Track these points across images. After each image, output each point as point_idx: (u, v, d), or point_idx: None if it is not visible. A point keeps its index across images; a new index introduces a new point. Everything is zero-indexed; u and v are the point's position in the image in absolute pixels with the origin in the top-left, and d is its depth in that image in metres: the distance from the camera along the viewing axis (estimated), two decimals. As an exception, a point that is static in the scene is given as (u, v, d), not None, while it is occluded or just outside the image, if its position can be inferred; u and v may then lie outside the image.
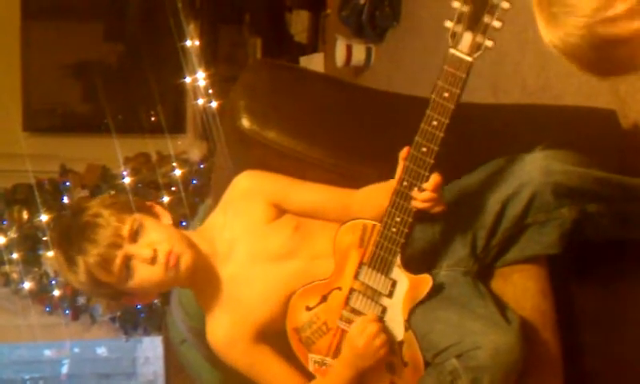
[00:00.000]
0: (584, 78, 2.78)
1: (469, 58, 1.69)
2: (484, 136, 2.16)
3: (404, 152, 1.79)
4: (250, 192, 2.05)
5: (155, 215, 2.01)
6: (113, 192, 4.32)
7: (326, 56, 5.52)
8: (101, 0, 5.91)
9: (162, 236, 1.93)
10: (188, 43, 4.74)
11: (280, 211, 2.05)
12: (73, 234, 1.91)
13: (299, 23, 5.80)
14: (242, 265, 2.03)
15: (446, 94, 1.71)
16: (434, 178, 1.77)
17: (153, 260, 1.88)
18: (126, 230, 1.89)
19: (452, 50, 1.71)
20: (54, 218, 4.23)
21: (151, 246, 1.89)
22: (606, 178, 1.95)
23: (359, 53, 4.95)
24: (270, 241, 2.02)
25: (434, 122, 1.73)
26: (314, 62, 5.53)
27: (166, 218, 2.02)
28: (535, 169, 1.90)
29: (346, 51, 4.94)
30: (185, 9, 4.89)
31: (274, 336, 2.02)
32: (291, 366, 2.02)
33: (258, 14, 5.90)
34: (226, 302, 2.02)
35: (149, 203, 2.06)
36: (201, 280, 2.01)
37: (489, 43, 1.67)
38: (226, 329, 2.02)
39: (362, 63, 4.98)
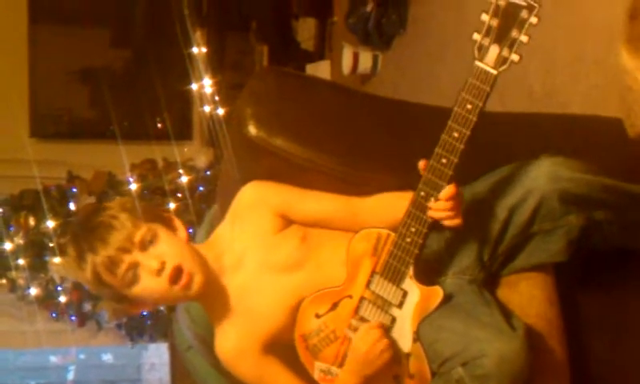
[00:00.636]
0: (591, 84, 2.78)
1: (494, 71, 1.69)
2: (491, 144, 2.15)
3: (422, 163, 1.79)
4: (256, 203, 2.05)
5: (172, 228, 2.02)
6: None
7: (333, 63, 5.53)
8: (108, 6, 5.92)
9: (173, 250, 1.93)
10: (195, 50, 4.76)
11: (287, 222, 2.04)
12: (87, 231, 1.92)
13: (306, 30, 5.80)
14: (250, 276, 2.03)
15: (469, 106, 1.71)
16: (449, 189, 1.77)
17: (159, 272, 1.89)
18: (138, 237, 1.90)
19: (478, 63, 1.70)
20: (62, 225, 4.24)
21: (160, 258, 1.90)
22: (613, 186, 1.94)
23: (366, 60, 4.96)
24: (278, 252, 2.02)
25: (455, 134, 1.73)
26: (321, 70, 5.54)
27: (182, 233, 2.02)
28: (542, 176, 1.90)
29: (352, 59, 4.95)
30: (192, 16, 4.91)
31: (282, 347, 2.02)
32: (299, 377, 2.02)
33: (265, 21, 5.91)
34: (235, 315, 2.02)
35: (168, 215, 2.06)
36: (210, 294, 2.00)
37: (515, 57, 1.67)
38: (235, 341, 2.02)
39: (368, 71, 4.99)
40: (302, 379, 2.02)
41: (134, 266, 1.89)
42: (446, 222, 1.82)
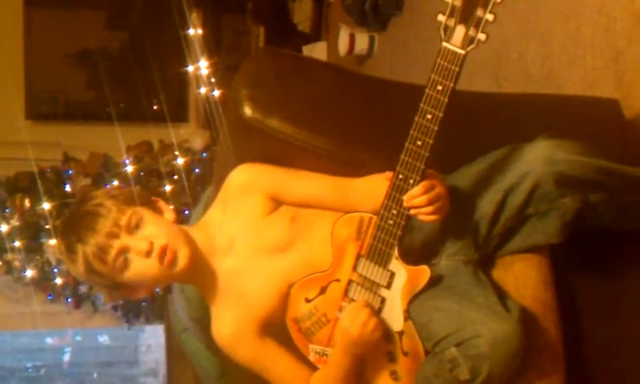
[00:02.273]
0: (588, 67, 2.78)
1: (461, 52, 1.69)
2: (486, 125, 2.15)
3: (388, 174, 1.82)
4: (246, 186, 2.04)
5: (158, 210, 2.03)
6: (116, 181, 4.33)
7: (329, 45, 5.52)
8: (104, -12, 5.91)
9: (160, 231, 1.94)
10: (191, 32, 4.74)
11: (277, 203, 2.04)
12: (74, 222, 1.94)
13: (302, 12, 5.79)
14: (241, 259, 2.03)
15: (440, 87, 1.71)
16: (420, 186, 1.78)
17: (148, 253, 1.90)
18: (124, 221, 1.91)
19: (444, 44, 1.71)
20: (58, 207, 4.24)
21: (148, 239, 1.91)
22: (609, 168, 1.94)
23: (362, 41, 4.95)
24: (268, 234, 2.02)
25: (429, 116, 1.73)
26: (317, 51, 5.53)
27: (169, 214, 2.03)
28: (537, 158, 1.89)
29: (349, 40, 4.94)
30: (188, -3, 4.89)
31: (279, 328, 2.03)
32: (296, 358, 2.03)
33: (261, 2, 5.89)
34: (229, 297, 2.03)
35: (153, 198, 2.06)
36: (201, 275, 2.02)
37: (482, 36, 1.67)
38: (231, 325, 2.02)
39: (364, 52, 4.98)
40: (300, 359, 2.03)
41: (124, 250, 1.90)
42: (421, 217, 1.82)
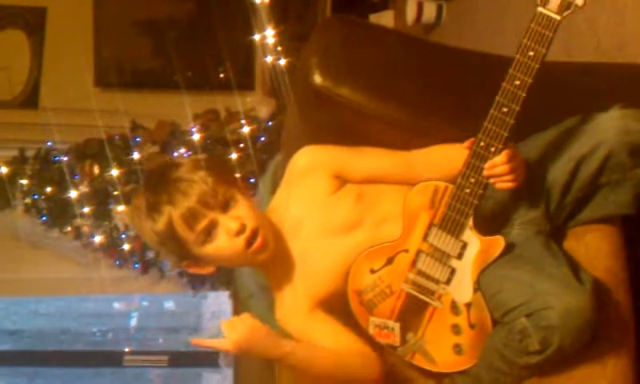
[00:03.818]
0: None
1: (557, 17, 1.67)
2: (558, 94, 2.12)
3: (468, 143, 1.81)
4: (310, 167, 2.05)
5: (245, 193, 2.01)
6: (183, 149, 4.36)
7: (396, 13, 5.47)
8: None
9: (251, 214, 1.93)
10: (257, 0, 4.73)
11: (341, 182, 2.05)
12: (165, 184, 1.92)
13: (369, -20, 5.74)
14: (308, 241, 2.03)
15: (531, 53, 1.70)
16: (503, 155, 1.78)
17: (238, 233, 1.89)
18: (220, 195, 1.90)
19: (540, 9, 1.69)
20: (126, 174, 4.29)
21: (240, 219, 1.90)
22: (685, 139, 1.90)
23: (430, 10, 4.90)
24: (334, 213, 2.03)
25: (517, 82, 1.72)
26: (384, 20, 5.49)
27: (251, 198, 2.03)
28: (612, 128, 1.87)
29: (416, 8, 4.89)
30: (255, -34, 4.88)
31: (332, 299, 2.03)
32: (346, 328, 2.01)
33: (329, -30, 5.86)
34: (295, 280, 2.04)
35: (238, 179, 2.07)
36: (272, 261, 2.01)
37: (579, 1, 1.65)
38: (290, 304, 2.04)
39: (432, 21, 4.93)
40: (350, 329, 2.02)
41: (214, 224, 1.90)
42: (499, 184, 1.82)
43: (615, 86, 2.21)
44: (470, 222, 1.85)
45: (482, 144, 1.78)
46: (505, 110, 1.73)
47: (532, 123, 1.96)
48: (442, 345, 1.96)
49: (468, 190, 1.82)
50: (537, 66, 1.69)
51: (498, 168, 1.78)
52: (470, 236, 1.87)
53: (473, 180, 1.81)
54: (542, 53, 1.69)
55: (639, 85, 2.25)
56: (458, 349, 1.95)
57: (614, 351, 1.88)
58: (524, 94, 1.71)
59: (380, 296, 1.98)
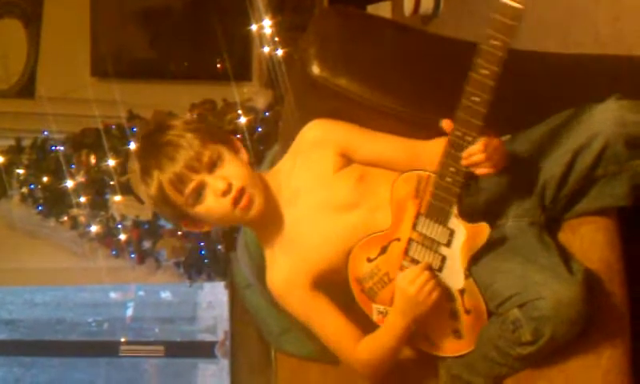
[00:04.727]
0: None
1: (519, 6, 1.66)
2: (555, 86, 2.13)
3: (445, 123, 1.82)
4: (319, 141, 2.06)
5: (235, 149, 2.03)
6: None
7: (394, 4, 5.46)
8: (168, -54, 5.90)
9: (238, 172, 1.96)
10: (255, -10, 4.73)
11: (347, 160, 2.06)
12: (154, 148, 1.95)
13: (367, -29, 5.73)
14: (305, 211, 2.05)
15: (496, 42, 1.69)
16: (482, 141, 1.78)
17: (224, 193, 1.92)
18: (206, 157, 1.92)
19: None
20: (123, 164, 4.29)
21: (226, 179, 1.93)
22: (682, 130, 1.91)
23: (428, 1, 4.90)
24: (335, 190, 2.04)
25: (484, 71, 1.71)
26: (382, 11, 5.48)
27: (244, 155, 2.04)
28: (608, 119, 1.87)
29: (414, -1, 4.89)
30: (252, -45, 4.87)
31: (333, 287, 2.04)
32: (347, 317, 2.04)
33: (326, -39, 5.85)
34: (287, 246, 2.05)
35: (229, 137, 2.07)
36: (265, 221, 2.04)
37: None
38: (285, 273, 2.05)
39: (430, 11, 4.92)
40: (350, 319, 2.04)
41: (202, 186, 1.92)
42: (478, 171, 1.83)
43: (612, 77, 2.21)
44: (455, 209, 1.87)
45: (457, 133, 1.79)
46: (476, 99, 1.73)
47: (527, 115, 1.97)
48: (442, 330, 1.99)
49: (449, 179, 1.83)
50: (502, 54, 1.69)
51: (475, 157, 1.79)
52: (457, 224, 1.88)
53: (453, 169, 1.82)
54: (506, 41, 1.68)
55: (635, 76, 2.25)
56: (457, 333, 1.98)
57: (609, 342, 1.89)
58: (492, 83, 1.71)
59: (379, 284, 2.01)
